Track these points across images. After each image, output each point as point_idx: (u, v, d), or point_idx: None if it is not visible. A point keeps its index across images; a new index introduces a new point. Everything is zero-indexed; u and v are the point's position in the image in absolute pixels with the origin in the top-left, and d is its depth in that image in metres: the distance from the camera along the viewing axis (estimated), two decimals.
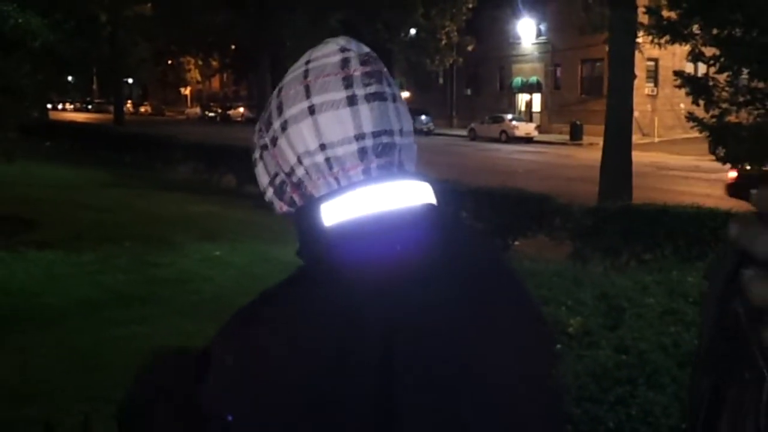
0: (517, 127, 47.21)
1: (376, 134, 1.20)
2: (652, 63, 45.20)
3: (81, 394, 5.61)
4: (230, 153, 21.64)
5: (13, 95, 14.23)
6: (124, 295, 9.26)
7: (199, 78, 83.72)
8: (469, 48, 50.69)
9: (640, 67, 29.94)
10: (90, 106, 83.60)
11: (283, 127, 1.22)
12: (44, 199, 16.58)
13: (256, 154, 1.30)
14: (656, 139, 44.76)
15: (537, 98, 56.09)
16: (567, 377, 4.55)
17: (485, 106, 54.55)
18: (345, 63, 1.22)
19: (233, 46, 53.44)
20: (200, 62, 73.79)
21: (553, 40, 53.04)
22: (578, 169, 28.64)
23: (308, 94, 1.20)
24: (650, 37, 18.32)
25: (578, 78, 51.86)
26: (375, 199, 1.17)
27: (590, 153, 32.97)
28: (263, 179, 1.29)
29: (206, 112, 73.84)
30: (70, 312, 8.51)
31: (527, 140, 45.98)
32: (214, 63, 67.93)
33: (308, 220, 1.19)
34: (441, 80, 59.71)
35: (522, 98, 57.46)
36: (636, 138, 23.52)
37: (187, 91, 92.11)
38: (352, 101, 1.19)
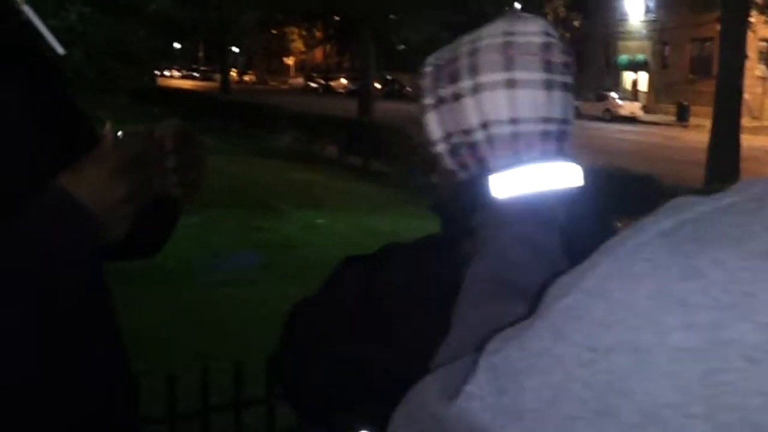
0: (621, 106, 46.32)
1: (560, 121, 1.27)
2: (764, 44, 43.79)
3: (191, 351, 5.80)
4: (334, 123, 21.86)
5: (127, 60, 14.61)
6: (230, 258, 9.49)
7: (302, 48, 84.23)
8: (575, 24, 49.92)
9: (752, 47, 29.09)
10: (196, 74, 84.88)
11: (475, 90, 1.26)
12: None
13: (429, 100, 1.32)
14: (766, 123, 43.45)
15: (643, 77, 54.86)
16: None
17: (589, 83, 53.54)
18: (547, 47, 1.26)
19: (336, 18, 53.62)
20: (304, 33, 74.23)
21: (661, 17, 51.77)
22: (684, 151, 28.00)
23: (509, 67, 1.25)
24: (763, 17, 17.82)
25: (687, 57, 50.49)
26: (547, 178, 1.22)
27: (697, 135, 32.15)
28: (435, 130, 1.32)
29: (309, 83, 74.18)
30: (177, 272, 8.68)
31: (632, 120, 45.04)
32: (318, 34, 68.27)
33: (477, 189, 1.22)
34: None
35: (628, 76, 56.30)
36: (745, 121, 22.89)
37: (290, 61, 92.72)
38: (549, 85, 1.25)
